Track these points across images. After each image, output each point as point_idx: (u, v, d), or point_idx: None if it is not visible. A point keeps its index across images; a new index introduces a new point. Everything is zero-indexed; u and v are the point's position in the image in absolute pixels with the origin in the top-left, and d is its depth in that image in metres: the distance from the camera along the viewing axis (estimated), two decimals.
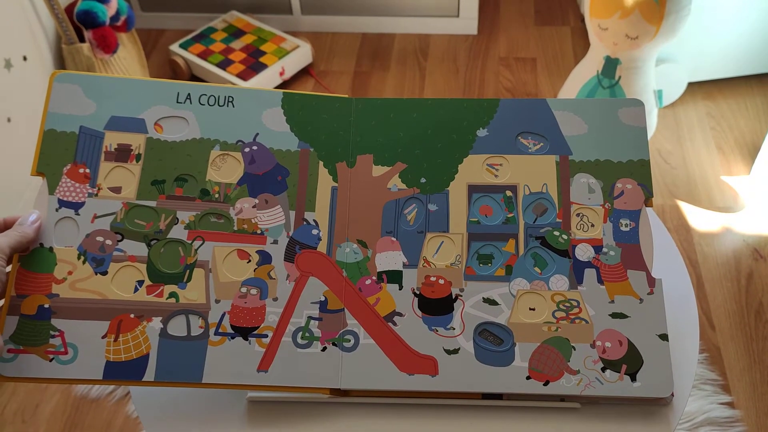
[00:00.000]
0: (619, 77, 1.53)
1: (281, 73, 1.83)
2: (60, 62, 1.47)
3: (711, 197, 1.54)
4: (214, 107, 0.67)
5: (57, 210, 0.63)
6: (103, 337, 0.59)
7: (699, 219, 1.50)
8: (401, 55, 1.98)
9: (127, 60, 1.62)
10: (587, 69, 1.59)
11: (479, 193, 0.66)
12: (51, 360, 0.59)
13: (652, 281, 0.62)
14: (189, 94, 0.67)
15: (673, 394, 0.61)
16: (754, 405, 1.19)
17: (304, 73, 1.92)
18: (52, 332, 0.59)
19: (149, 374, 0.59)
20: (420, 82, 1.90)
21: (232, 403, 0.63)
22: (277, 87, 1.86)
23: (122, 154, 0.65)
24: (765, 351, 1.26)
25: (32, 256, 0.61)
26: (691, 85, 1.75)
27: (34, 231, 0.59)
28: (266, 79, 1.80)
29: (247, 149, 0.66)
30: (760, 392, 1.21)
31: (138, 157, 0.65)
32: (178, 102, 0.67)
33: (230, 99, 0.68)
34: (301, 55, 1.87)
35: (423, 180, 0.66)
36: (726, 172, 1.59)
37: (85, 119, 0.65)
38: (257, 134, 0.67)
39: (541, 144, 0.67)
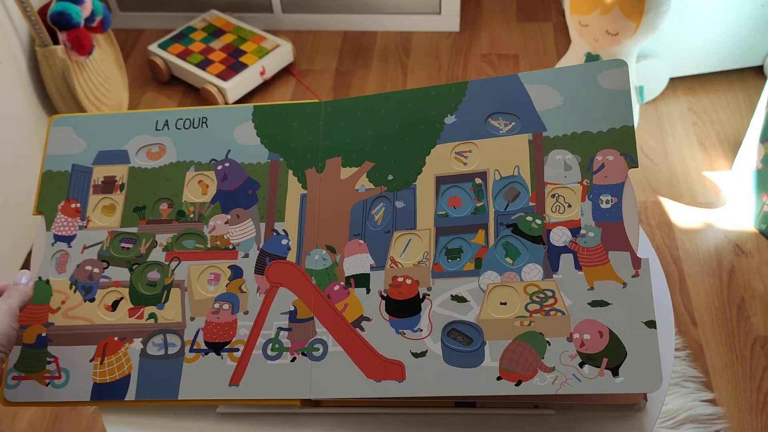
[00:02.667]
0: None
1: (262, 73, 1.82)
2: (34, 65, 1.45)
3: (693, 193, 1.54)
4: (189, 130, 0.69)
5: (53, 245, 0.66)
6: (90, 361, 0.62)
7: (681, 215, 1.50)
8: (383, 53, 1.97)
9: (104, 61, 1.60)
10: (569, 65, 1.58)
11: (447, 184, 0.63)
12: (47, 385, 0.62)
13: (637, 262, 0.57)
14: (167, 121, 0.70)
15: (646, 399, 0.61)
16: (736, 402, 1.19)
17: (286, 72, 1.90)
18: (48, 359, 0.63)
19: (131, 394, 0.61)
20: (402, 79, 1.88)
21: (202, 416, 0.62)
22: (258, 87, 1.85)
23: (108, 185, 0.68)
24: (747, 347, 1.27)
25: (33, 289, 0.64)
26: (672, 80, 1.75)
27: (32, 289, 0.61)
28: (247, 79, 1.79)
29: (219, 167, 0.68)
30: (742, 388, 1.21)
31: (122, 187, 0.68)
32: (157, 129, 0.70)
33: (204, 120, 0.69)
34: (281, 55, 1.85)
35: (390, 177, 0.64)
36: (708, 167, 1.59)
37: (76, 157, 0.69)
38: (229, 151, 0.68)
39: (513, 123, 0.63)
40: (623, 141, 0.60)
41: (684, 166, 1.60)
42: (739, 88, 1.76)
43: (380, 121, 0.66)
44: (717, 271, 1.39)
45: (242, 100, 1.80)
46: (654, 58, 1.65)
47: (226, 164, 0.68)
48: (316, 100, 0.69)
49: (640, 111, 1.71)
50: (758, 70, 1.78)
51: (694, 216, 1.49)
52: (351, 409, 0.61)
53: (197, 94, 1.84)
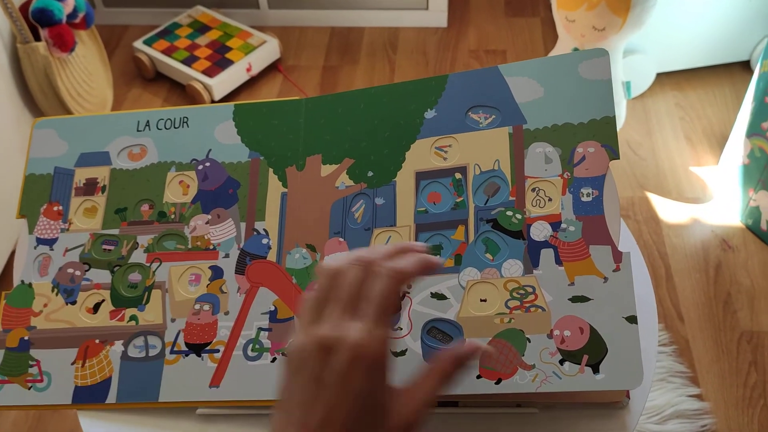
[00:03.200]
0: None
1: (248, 69, 1.80)
2: (16, 62, 1.43)
3: (680, 188, 1.54)
4: (170, 130, 0.69)
5: (35, 248, 0.66)
6: (72, 364, 0.62)
7: (668, 210, 1.50)
8: (370, 49, 1.96)
9: (87, 58, 1.58)
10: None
11: (427, 180, 0.62)
12: (29, 388, 0.61)
13: (618, 256, 0.55)
14: (148, 121, 0.69)
15: (629, 396, 0.60)
16: (722, 396, 1.20)
17: (273, 68, 1.89)
18: (30, 362, 0.62)
19: (111, 396, 0.60)
20: (389, 75, 1.88)
21: (182, 417, 0.62)
22: (244, 83, 1.84)
23: (89, 188, 0.68)
24: (733, 342, 1.27)
25: (15, 293, 0.65)
26: (659, 76, 1.75)
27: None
28: (233, 76, 1.77)
29: (200, 167, 0.67)
30: (729, 383, 1.21)
31: (103, 189, 0.68)
32: (138, 130, 0.69)
33: (185, 119, 0.69)
34: (268, 51, 1.84)
35: (370, 174, 0.63)
36: (695, 162, 1.59)
37: (58, 160, 0.69)
38: (210, 150, 0.67)
39: (494, 116, 0.62)
40: (604, 132, 0.59)
41: (671, 161, 1.60)
42: (726, 84, 1.76)
43: (360, 117, 0.65)
44: (704, 267, 1.39)
45: (228, 97, 1.79)
46: (641, 53, 1.65)
47: (207, 164, 0.67)
48: (299, 98, 0.68)
49: (627, 106, 1.71)
50: (745, 65, 1.79)
51: (681, 211, 1.50)
52: None
53: (183, 91, 1.83)
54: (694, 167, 1.58)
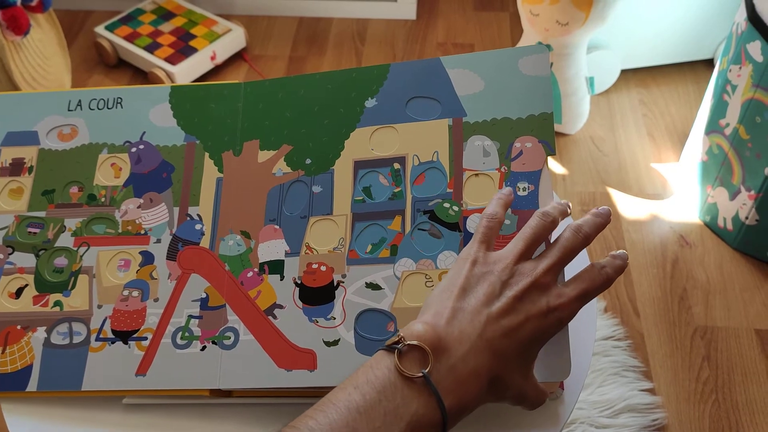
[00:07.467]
0: (551, 64, 1.52)
1: (212, 58, 1.78)
2: None
3: (641, 184, 1.55)
4: (103, 111, 0.67)
5: None
6: None
7: (628, 206, 1.51)
8: (338, 40, 1.94)
9: (44, 42, 1.55)
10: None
11: (365, 169, 0.61)
12: None
13: None
14: (80, 101, 0.67)
15: (563, 387, 0.60)
16: (674, 391, 1.21)
17: (238, 57, 1.87)
18: None
19: (32, 384, 0.58)
20: (356, 67, 1.86)
21: (108, 407, 0.60)
22: (209, 72, 1.81)
23: (16, 168, 0.66)
24: (687, 337, 1.28)
25: None
26: (625, 72, 1.76)
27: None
28: (197, 64, 1.75)
29: (133, 149, 0.65)
30: (681, 378, 1.22)
31: (30, 169, 0.65)
32: (69, 110, 0.67)
33: (119, 100, 0.67)
34: (233, 39, 1.81)
35: (308, 161, 0.62)
36: (656, 159, 1.60)
37: None
38: (144, 133, 0.66)
39: (434, 108, 0.62)
40: (542, 128, 0.60)
41: (633, 157, 1.61)
42: (690, 81, 1.77)
43: (299, 103, 0.65)
44: (661, 262, 1.40)
45: None
46: (606, 49, 1.65)
47: (141, 146, 0.66)
48: (237, 81, 0.67)
49: (592, 102, 1.71)
50: (709, 63, 1.80)
51: (641, 207, 1.50)
52: (262, 399, 0.59)
53: (145, 78, 1.80)
54: (655, 164, 1.59)
